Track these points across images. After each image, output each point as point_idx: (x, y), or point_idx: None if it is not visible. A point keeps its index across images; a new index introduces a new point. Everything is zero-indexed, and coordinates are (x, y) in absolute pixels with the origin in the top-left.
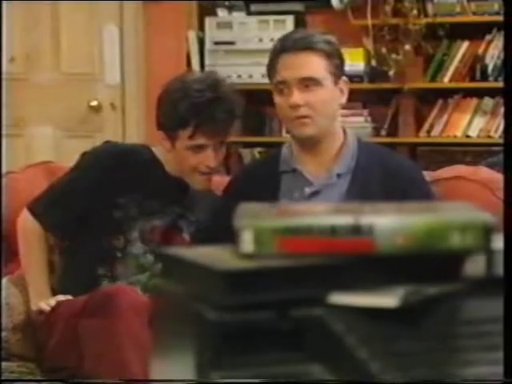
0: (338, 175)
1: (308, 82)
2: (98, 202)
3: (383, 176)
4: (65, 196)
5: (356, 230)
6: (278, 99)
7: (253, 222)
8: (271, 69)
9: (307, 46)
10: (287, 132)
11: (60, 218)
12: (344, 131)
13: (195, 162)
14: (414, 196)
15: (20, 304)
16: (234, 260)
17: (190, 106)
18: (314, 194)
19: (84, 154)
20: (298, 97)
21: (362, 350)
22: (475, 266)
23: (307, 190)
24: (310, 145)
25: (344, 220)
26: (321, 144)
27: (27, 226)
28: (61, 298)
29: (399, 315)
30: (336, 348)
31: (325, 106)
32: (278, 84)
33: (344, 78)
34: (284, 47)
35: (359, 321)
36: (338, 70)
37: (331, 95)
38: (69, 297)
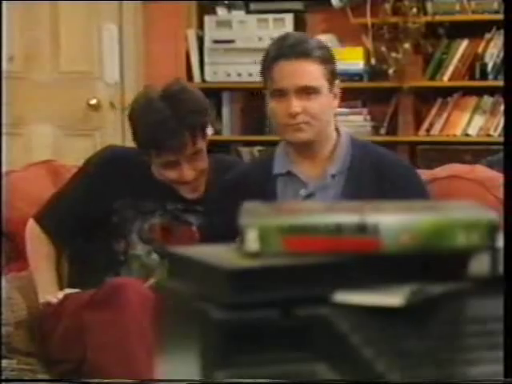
0: (333, 176)
1: (306, 90)
2: (97, 208)
3: (377, 175)
4: (66, 204)
5: (361, 228)
6: (273, 105)
7: (258, 220)
8: (266, 75)
9: (304, 53)
10: (280, 136)
11: (62, 225)
12: (337, 131)
13: (173, 176)
14: (409, 195)
15: (23, 299)
16: (238, 259)
17: (151, 126)
18: (310, 195)
19: (86, 161)
20: (296, 105)
21: (366, 349)
22: (480, 265)
23: (302, 192)
24: (303, 148)
25: (349, 218)
26: (315, 147)
27: (34, 235)
28: (68, 291)
29: (404, 314)
30: (341, 347)
31: (322, 113)
32: (275, 91)
33: (337, 81)
34: (280, 54)
35: (364, 320)
36: (333, 75)
37: (328, 101)
38: (76, 290)
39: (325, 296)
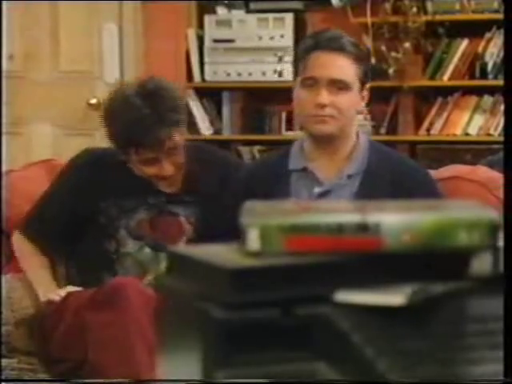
0: (349, 176)
1: (338, 84)
2: (82, 210)
3: (393, 179)
4: (49, 210)
5: (363, 227)
6: (301, 93)
7: (259, 219)
8: (300, 63)
9: (341, 48)
10: (300, 128)
11: (48, 232)
12: (357, 133)
13: (152, 172)
14: (423, 197)
15: (23, 298)
16: (240, 258)
17: (129, 124)
18: (324, 194)
19: (66, 166)
20: (325, 96)
21: (367, 348)
22: (481, 264)
23: (317, 190)
24: (324, 143)
25: (351, 218)
26: (335, 143)
27: (21, 246)
28: (71, 288)
29: (405, 313)
30: (342, 346)
31: (348, 110)
32: (306, 79)
33: (368, 85)
34: (318, 44)
35: (365, 319)
36: (365, 77)
37: (356, 100)
38: (78, 288)
39: (326, 295)
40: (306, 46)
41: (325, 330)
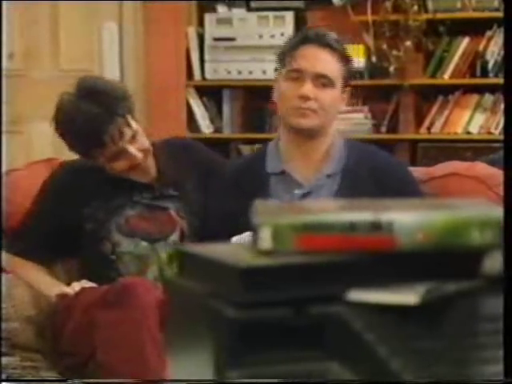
0: (328, 176)
1: (322, 80)
2: (66, 220)
3: (372, 175)
4: (32, 226)
5: (376, 226)
6: (285, 86)
7: (271, 218)
8: (287, 55)
9: (328, 44)
10: (282, 121)
11: (32, 248)
12: (334, 133)
13: (122, 165)
14: (403, 194)
15: (26, 295)
16: (252, 257)
17: (84, 127)
18: (305, 195)
19: (43, 184)
20: (310, 89)
21: (381, 347)
22: (493, 263)
23: (297, 192)
24: (302, 139)
25: (363, 216)
26: (312, 140)
27: (8, 262)
28: (85, 283)
29: (418, 312)
30: (355, 346)
31: (330, 106)
32: (291, 71)
33: (348, 88)
34: (307, 38)
35: (378, 318)
36: (348, 77)
37: (338, 98)
38: (93, 284)
39: (338, 295)
40: (294, 40)
41: (337, 329)
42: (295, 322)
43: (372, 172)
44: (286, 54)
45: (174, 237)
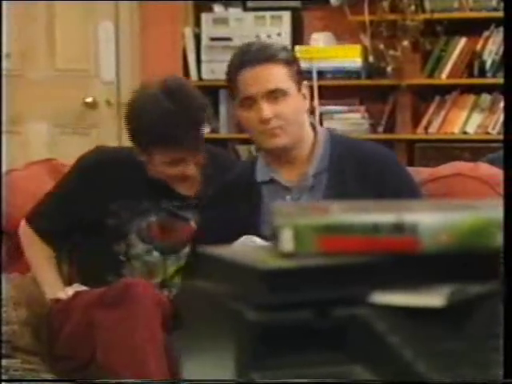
0: (314, 176)
1: (275, 94)
2: (91, 210)
3: (358, 166)
4: (57, 206)
5: (399, 228)
6: (244, 114)
7: (293, 220)
8: (233, 85)
9: (267, 58)
10: (256, 146)
11: (51, 226)
12: (314, 130)
13: (174, 172)
14: (390, 181)
15: (25, 298)
16: (273, 259)
17: (157, 122)
18: (296, 199)
19: (76, 162)
20: (267, 110)
21: (406, 350)
22: None
23: (288, 198)
24: (281, 154)
25: (386, 218)
26: (292, 151)
27: (27, 237)
28: (77, 287)
29: (442, 314)
30: (378, 348)
31: (294, 115)
32: (244, 100)
33: (305, 82)
34: (243, 62)
35: (402, 320)
36: (300, 76)
37: (298, 103)
38: (85, 288)
39: (361, 297)
40: (233, 66)
41: (360, 331)
42: (317, 324)
43: (357, 163)
44: (231, 82)
45: (187, 249)
